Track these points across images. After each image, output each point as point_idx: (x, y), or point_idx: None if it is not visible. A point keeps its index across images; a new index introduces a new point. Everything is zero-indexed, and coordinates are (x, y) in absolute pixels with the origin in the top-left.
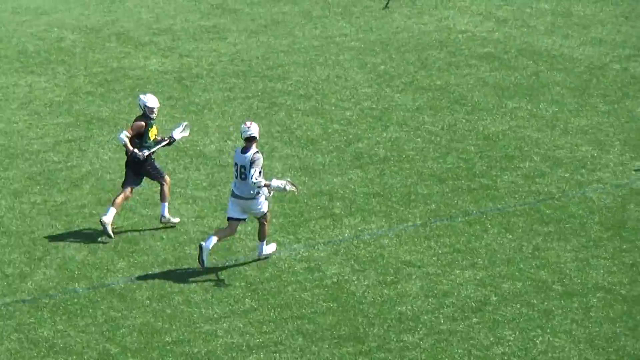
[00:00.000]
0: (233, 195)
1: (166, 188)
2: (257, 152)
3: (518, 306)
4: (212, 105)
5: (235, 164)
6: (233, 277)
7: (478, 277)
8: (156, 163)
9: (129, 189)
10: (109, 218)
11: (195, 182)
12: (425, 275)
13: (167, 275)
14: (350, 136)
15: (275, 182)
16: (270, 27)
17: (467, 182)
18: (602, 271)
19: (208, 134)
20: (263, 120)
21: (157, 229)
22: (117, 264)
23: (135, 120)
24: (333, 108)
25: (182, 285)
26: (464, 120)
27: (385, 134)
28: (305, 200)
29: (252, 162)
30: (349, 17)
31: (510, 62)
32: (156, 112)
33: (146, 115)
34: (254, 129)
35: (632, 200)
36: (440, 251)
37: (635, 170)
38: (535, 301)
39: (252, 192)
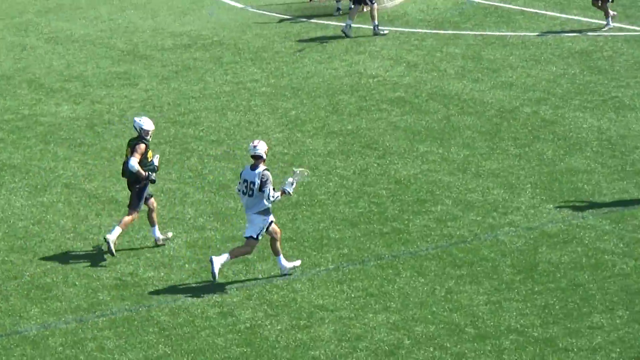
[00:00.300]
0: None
1: (130, 218)
2: (266, 169)
3: (431, 349)
4: (124, 151)
5: (245, 180)
6: (147, 323)
7: (391, 321)
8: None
9: (138, 209)
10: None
11: (108, 228)
12: (339, 319)
13: (80, 322)
14: None
15: (287, 187)
16: (181, 73)
17: (379, 226)
18: (514, 314)
19: (120, 180)
20: (175, 166)
21: (69, 275)
22: (30, 311)
23: (134, 145)
24: (245, 153)
25: (95, 331)
26: (375, 165)
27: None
28: (218, 246)
29: (262, 180)
30: (259, 62)
31: (421, 106)
32: (151, 135)
33: (142, 137)
34: (260, 148)
35: (543, 242)
36: (353, 295)
37: None
38: (448, 344)
39: (261, 208)
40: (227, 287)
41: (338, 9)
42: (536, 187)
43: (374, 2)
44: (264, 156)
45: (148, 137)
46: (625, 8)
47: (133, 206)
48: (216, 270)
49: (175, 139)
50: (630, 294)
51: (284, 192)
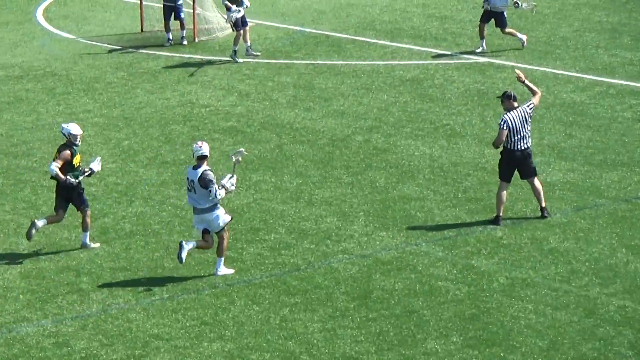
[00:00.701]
0: (194, 211)
1: (88, 218)
2: (208, 169)
3: None
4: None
5: (187, 179)
6: None
7: (226, 349)
8: (83, 193)
9: (61, 212)
10: (41, 223)
11: None
12: (174, 349)
13: None
14: (96, 211)
15: (226, 182)
16: (13, 105)
17: (214, 254)
18: (349, 341)
19: None
20: (8, 197)
21: None
22: None
23: (60, 150)
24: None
25: None
26: None
27: (130, 209)
28: (52, 277)
29: (204, 179)
30: (92, 93)
31: (254, 136)
32: (80, 140)
33: (71, 143)
34: (204, 148)
35: (377, 269)
36: (188, 324)
37: None
38: None
39: (207, 204)
40: (62, 317)
41: (169, 40)
42: (369, 214)
43: (246, 24)
44: (208, 155)
45: (77, 142)
46: (455, 36)
47: (84, 205)
48: (183, 255)
49: (8, 170)
50: (464, 320)
51: (226, 189)
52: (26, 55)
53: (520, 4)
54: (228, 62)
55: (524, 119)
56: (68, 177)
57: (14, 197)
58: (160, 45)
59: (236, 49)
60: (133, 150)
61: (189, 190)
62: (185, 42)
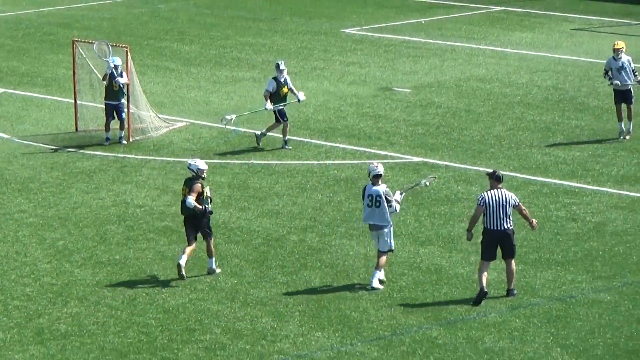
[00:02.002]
0: (369, 227)
1: (212, 244)
2: (385, 185)
3: None
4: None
5: (370, 195)
6: None
7: None
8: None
9: (194, 241)
10: (183, 261)
11: None
12: None
13: None
14: (31, 312)
15: (398, 196)
16: None
17: (149, 355)
18: None
19: None
20: None
21: None
22: None
23: (191, 185)
24: (13, 284)
25: None
26: (144, 294)
27: (65, 309)
28: None
29: (387, 195)
30: (26, 193)
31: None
32: (206, 173)
33: (199, 177)
34: (380, 168)
35: None
36: None
37: None
38: None
39: (387, 218)
40: None
41: (107, 139)
42: (304, 314)
43: (285, 118)
44: (382, 174)
45: (204, 176)
46: (389, 135)
47: (210, 233)
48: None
49: None
50: None
51: (398, 202)
52: None
53: None
54: (162, 161)
55: (503, 201)
56: (206, 206)
57: None
58: (96, 145)
59: (264, 132)
60: (68, 250)
61: (370, 206)
62: (124, 142)
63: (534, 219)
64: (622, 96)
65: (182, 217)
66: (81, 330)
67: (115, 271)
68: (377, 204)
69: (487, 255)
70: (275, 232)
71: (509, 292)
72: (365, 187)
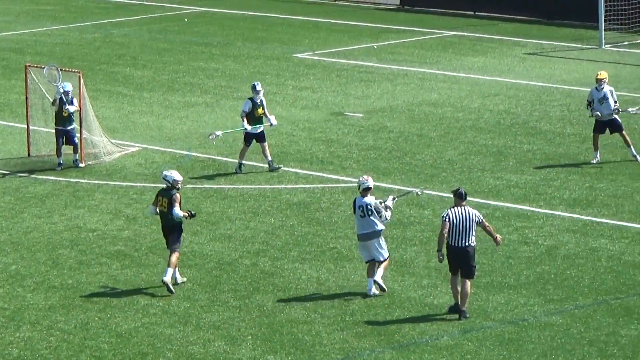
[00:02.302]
0: (359, 238)
1: (175, 257)
2: (375, 198)
3: None
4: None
5: (360, 207)
6: None
7: None
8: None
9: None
10: (168, 278)
11: None
12: None
13: None
14: None
15: (390, 202)
16: None
17: None
18: None
19: None
20: None
21: None
22: None
23: (171, 195)
24: None
25: None
26: (96, 319)
27: (18, 334)
28: None
29: (376, 206)
30: None
31: (141, 260)
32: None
33: (174, 187)
34: (370, 182)
35: None
36: None
37: None
38: None
39: (376, 227)
40: None
41: (60, 164)
42: (257, 338)
43: (264, 140)
44: (372, 187)
45: (179, 187)
46: (341, 160)
47: (176, 246)
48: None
49: None
50: None
51: (389, 207)
52: None
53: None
54: (115, 186)
55: (466, 218)
56: (191, 211)
57: None
58: (49, 170)
59: (241, 162)
60: (20, 275)
61: (362, 216)
62: (81, 165)
63: (497, 235)
64: (604, 127)
65: (159, 228)
66: (34, 354)
67: (67, 295)
68: (369, 212)
69: (454, 270)
70: (228, 256)
71: (461, 314)
72: (355, 200)
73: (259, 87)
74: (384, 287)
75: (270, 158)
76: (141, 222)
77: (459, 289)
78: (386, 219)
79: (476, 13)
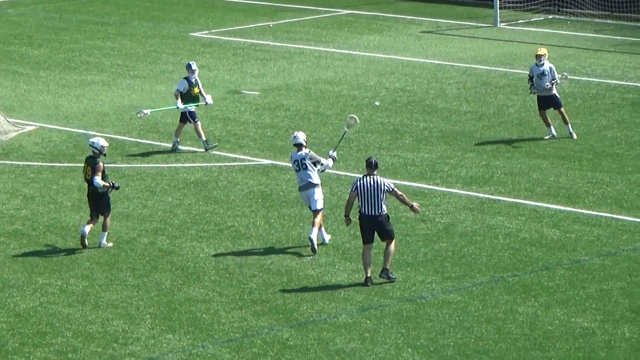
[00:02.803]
0: (299, 189)
1: (108, 220)
2: (308, 150)
3: None
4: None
5: (295, 161)
6: None
7: None
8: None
9: (96, 218)
10: (87, 230)
11: None
12: None
13: None
14: None
15: (332, 153)
16: None
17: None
18: None
19: None
20: None
21: None
22: None
23: (94, 164)
24: None
25: None
26: None
27: None
28: None
29: (310, 158)
30: None
31: (39, 239)
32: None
33: (101, 153)
34: (300, 137)
35: None
36: None
37: None
38: None
39: (310, 179)
40: None
41: None
42: (155, 317)
43: (197, 119)
44: (304, 143)
45: (105, 152)
46: (238, 138)
47: (107, 212)
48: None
49: None
50: None
51: (326, 161)
52: None
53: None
54: (12, 165)
55: (376, 187)
56: (113, 182)
57: None
58: None
59: (177, 140)
60: None
61: (297, 170)
62: None
63: (414, 203)
64: (546, 102)
65: (85, 194)
66: None
67: None
68: (304, 166)
69: (366, 238)
70: (126, 234)
71: (383, 272)
72: (291, 155)
73: (194, 67)
74: (316, 247)
75: (204, 138)
76: (38, 202)
77: (385, 249)
78: (327, 166)
79: None
